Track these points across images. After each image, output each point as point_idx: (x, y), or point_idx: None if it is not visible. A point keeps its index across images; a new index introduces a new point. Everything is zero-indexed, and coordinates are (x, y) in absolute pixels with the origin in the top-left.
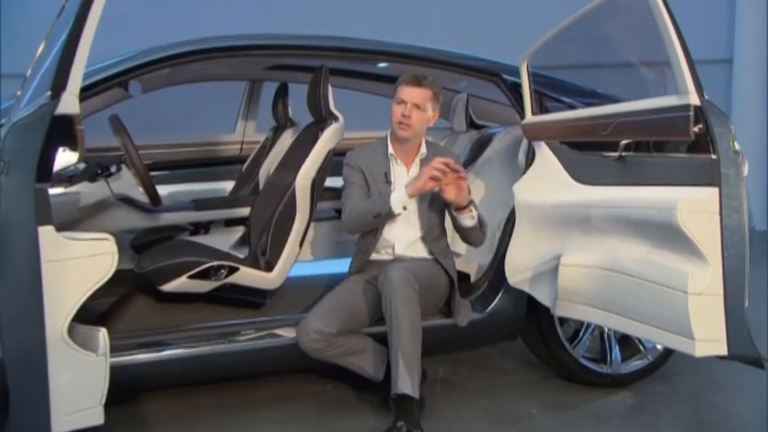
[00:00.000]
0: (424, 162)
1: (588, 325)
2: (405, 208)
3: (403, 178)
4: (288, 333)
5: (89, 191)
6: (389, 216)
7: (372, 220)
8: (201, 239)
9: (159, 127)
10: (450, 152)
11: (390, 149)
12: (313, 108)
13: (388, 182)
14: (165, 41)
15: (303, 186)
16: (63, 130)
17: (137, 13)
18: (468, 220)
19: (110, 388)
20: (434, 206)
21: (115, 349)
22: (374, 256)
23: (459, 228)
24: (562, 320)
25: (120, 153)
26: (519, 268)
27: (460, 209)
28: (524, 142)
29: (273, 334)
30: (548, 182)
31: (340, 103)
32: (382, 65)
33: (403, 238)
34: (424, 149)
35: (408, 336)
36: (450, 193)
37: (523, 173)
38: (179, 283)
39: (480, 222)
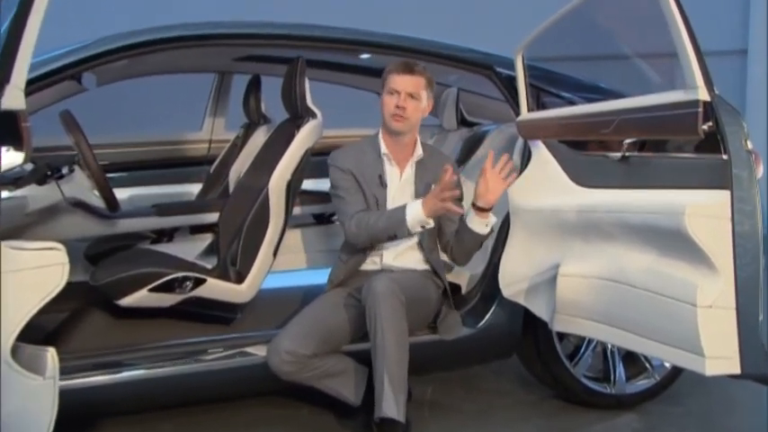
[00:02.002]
0: (420, 165)
1: (590, 341)
2: (423, 227)
3: (395, 181)
4: (260, 351)
5: (37, 195)
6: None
7: (386, 239)
8: (164, 248)
9: (117, 124)
10: (448, 157)
11: (383, 148)
12: (288, 103)
13: (383, 185)
14: (131, 28)
15: (277, 189)
16: (7, 128)
17: None
18: (482, 226)
19: (61, 415)
20: None
21: (67, 371)
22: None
23: (464, 236)
24: (561, 336)
25: (73, 153)
26: (514, 279)
27: (483, 210)
28: (519, 141)
29: (244, 352)
30: (545, 184)
31: (318, 98)
32: (364, 56)
33: (392, 246)
34: (420, 151)
35: (394, 353)
36: (482, 188)
37: (518, 174)
38: (139, 297)
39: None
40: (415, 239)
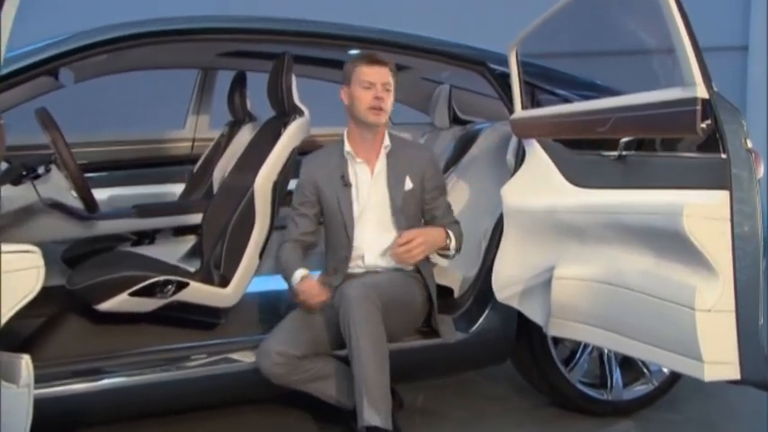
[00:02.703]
0: (391, 156)
1: (586, 346)
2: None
3: (366, 179)
4: (245, 357)
5: (12, 195)
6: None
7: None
8: (145, 251)
9: (95, 121)
10: (421, 146)
11: (347, 147)
12: (274, 101)
13: (347, 184)
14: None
15: (263, 190)
16: None
17: None
18: (445, 258)
19: (36, 425)
20: (409, 207)
21: (43, 379)
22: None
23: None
24: (556, 341)
25: (50, 152)
26: (508, 282)
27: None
28: (513, 140)
29: (229, 359)
30: (540, 184)
31: (305, 95)
32: (353, 52)
33: (374, 245)
34: (387, 141)
35: (371, 359)
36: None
37: (512, 174)
38: (118, 302)
39: (459, 246)
40: (395, 235)
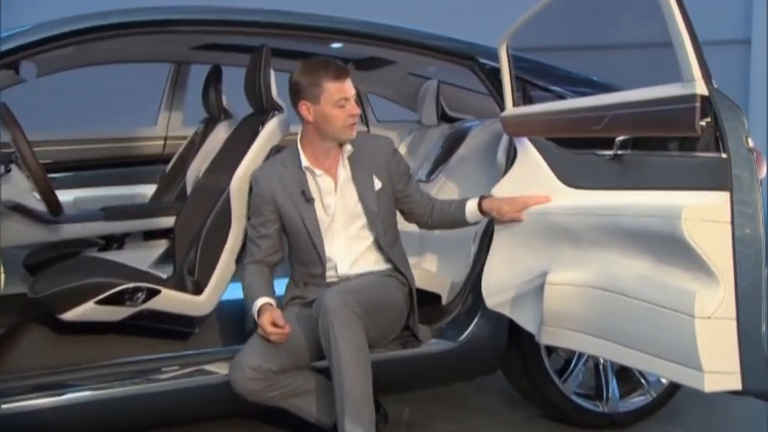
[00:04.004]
0: (352, 159)
1: (580, 355)
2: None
3: (330, 190)
4: (220, 369)
5: None
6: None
7: None
8: (113, 256)
9: (60, 118)
10: (379, 137)
11: (304, 161)
12: (252, 97)
13: (308, 199)
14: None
15: (240, 191)
16: None
17: None
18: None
19: None
20: (384, 207)
21: (3, 394)
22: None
23: (454, 221)
24: (550, 350)
25: (10, 150)
26: (498, 288)
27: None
28: (504, 138)
29: (203, 370)
30: (531, 185)
31: (285, 91)
32: (335, 45)
33: (345, 254)
34: (349, 147)
35: (353, 370)
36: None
37: (503, 174)
38: (84, 311)
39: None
40: (370, 240)
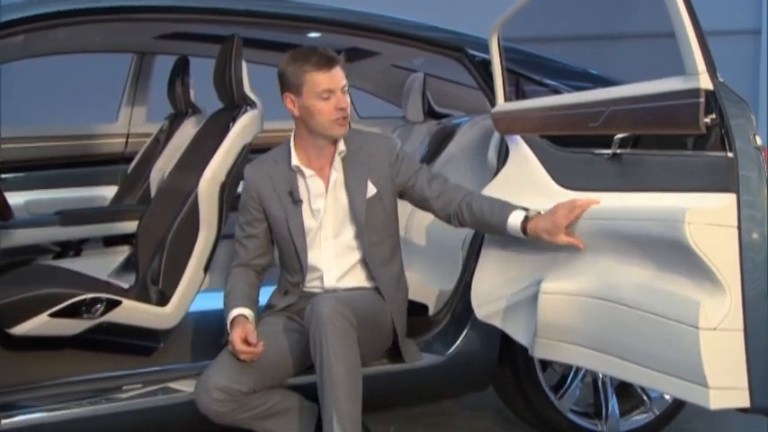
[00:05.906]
0: (347, 161)
1: (577, 370)
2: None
3: (320, 192)
4: (187, 387)
5: None
6: None
7: None
8: (70, 264)
9: (9, 114)
10: (377, 135)
11: (295, 161)
12: (222, 90)
13: (296, 201)
14: None
15: (209, 193)
16: None
17: None
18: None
19: None
20: (375, 216)
21: None
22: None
23: (491, 229)
24: (544, 364)
25: None
26: (489, 297)
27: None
28: (495, 136)
29: (168, 389)
30: (524, 186)
31: (258, 83)
32: (313, 35)
33: (334, 265)
34: (342, 146)
35: (344, 385)
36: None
37: (494, 174)
38: (37, 324)
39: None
40: (357, 257)
